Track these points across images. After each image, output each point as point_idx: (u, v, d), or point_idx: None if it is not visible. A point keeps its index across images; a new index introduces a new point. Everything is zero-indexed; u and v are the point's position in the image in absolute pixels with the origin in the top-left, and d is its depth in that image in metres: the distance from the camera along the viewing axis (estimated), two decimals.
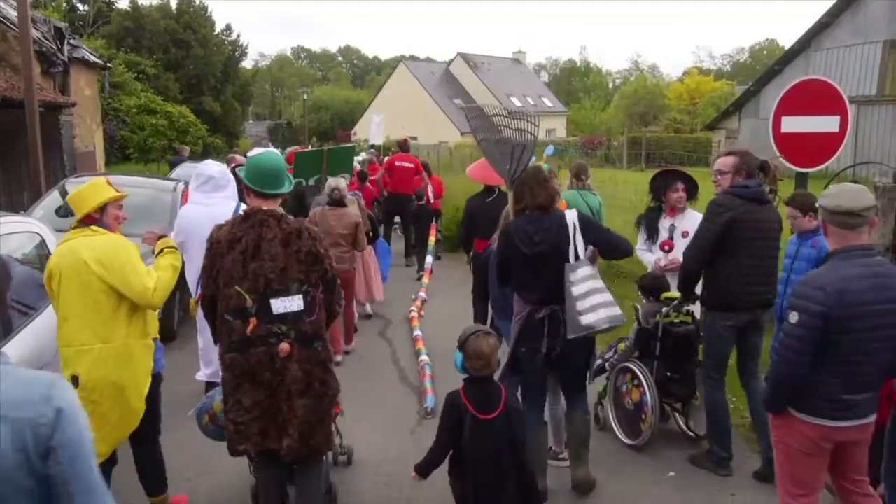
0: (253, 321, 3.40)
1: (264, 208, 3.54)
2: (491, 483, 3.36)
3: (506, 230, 4.30)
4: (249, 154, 3.92)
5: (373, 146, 18.59)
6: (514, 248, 4.13)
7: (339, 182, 7.17)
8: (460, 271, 10.21)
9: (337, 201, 6.95)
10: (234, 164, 8.78)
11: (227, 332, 3.45)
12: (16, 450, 1.59)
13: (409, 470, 3.74)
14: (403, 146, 12.33)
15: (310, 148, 17.14)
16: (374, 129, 18.46)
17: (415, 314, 8.46)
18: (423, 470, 3.56)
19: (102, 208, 3.72)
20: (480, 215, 6.43)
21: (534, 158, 4.89)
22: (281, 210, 3.66)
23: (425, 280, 10.22)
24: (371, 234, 7.80)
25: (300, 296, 3.46)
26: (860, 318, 2.94)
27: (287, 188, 3.72)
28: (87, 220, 3.68)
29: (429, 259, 10.99)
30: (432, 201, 11.86)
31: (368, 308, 8.67)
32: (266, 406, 3.45)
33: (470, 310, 6.52)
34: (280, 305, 3.42)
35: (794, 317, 3.03)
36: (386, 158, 13.83)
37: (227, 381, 3.49)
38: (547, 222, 4.14)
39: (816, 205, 3.35)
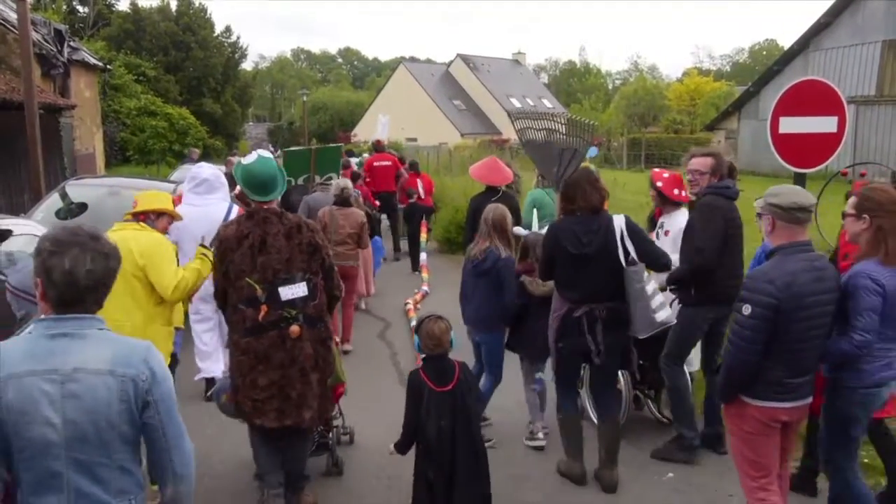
0: (264, 308, 3.77)
1: (265, 207, 3.94)
2: (446, 448, 3.70)
3: (552, 230, 4.46)
4: (243, 161, 4.17)
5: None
6: (560, 248, 4.29)
7: (347, 182, 7.50)
8: (455, 271, 10.29)
9: (344, 201, 7.19)
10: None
11: (241, 319, 3.81)
12: (121, 400, 2.04)
13: (410, 472, 3.75)
14: (378, 147, 13.28)
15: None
16: (379, 128, 19.06)
17: (411, 307, 8.70)
18: (401, 447, 3.83)
19: (160, 214, 4.37)
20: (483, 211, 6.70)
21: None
22: (280, 208, 4.07)
23: (424, 275, 10.46)
24: (370, 230, 7.95)
25: (304, 283, 3.85)
26: (805, 308, 3.18)
27: (278, 194, 4.06)
28: (142, 217, 4.30)
29: (423, 256, 11.33)
30: (423, 197, 12.28)
31: (362, 304, 8.87)
32: (280, 385, 3.81)
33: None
34: (287, 292, 3.81)
35: (747, 309, 3.22)
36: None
37: (243, 364, 3.83)
38: (595, 224, 4.29)
39: (756, 204, 3.59)
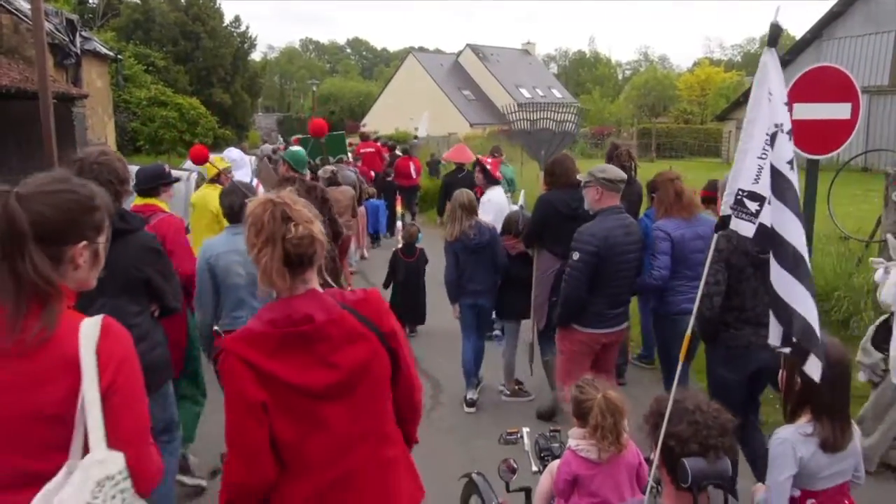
0: None
1: (297, 176, 6.36)
2: (409, 293, 7.85)
3: (546, 199, 5.38)
4: (292, 148, 7.26)
5: (416, 138, 22.68)
6: (554, 211, 5.23)
7: (330, 167, 9.58)
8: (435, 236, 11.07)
9: (333, 181, 8.67)
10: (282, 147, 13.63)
11: None
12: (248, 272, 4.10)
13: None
14: (364, 136, 17.58)
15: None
16: (422, 124, 23.38)
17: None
18: (385, 284, 8.00)
19: (224, 173, 6.84)
20: (453, 186, 8.81)
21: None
22: (307, 178, 6.47)
23: (398, 238, 12.13)
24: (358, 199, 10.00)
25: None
26: (617, 254, 4.40)
27: (305, 168, 6.89)
28: (214, 180, 6.72)
29: (399, 224, 13.27)
30: (414, 177, 15.09)
31: (357, 255, 10.93)
32: None
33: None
34: None
35: (575, 255, 4.44)
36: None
37: None
38: (577, 194, 5.13)
39: (581, 177, 4.74)
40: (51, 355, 1.65)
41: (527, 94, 54.78)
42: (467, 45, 58.11)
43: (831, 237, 8.45)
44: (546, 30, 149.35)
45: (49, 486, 1.59)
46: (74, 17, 19.30)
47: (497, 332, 6.28)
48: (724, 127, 33.42)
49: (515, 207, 6.47)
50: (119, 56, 25.14)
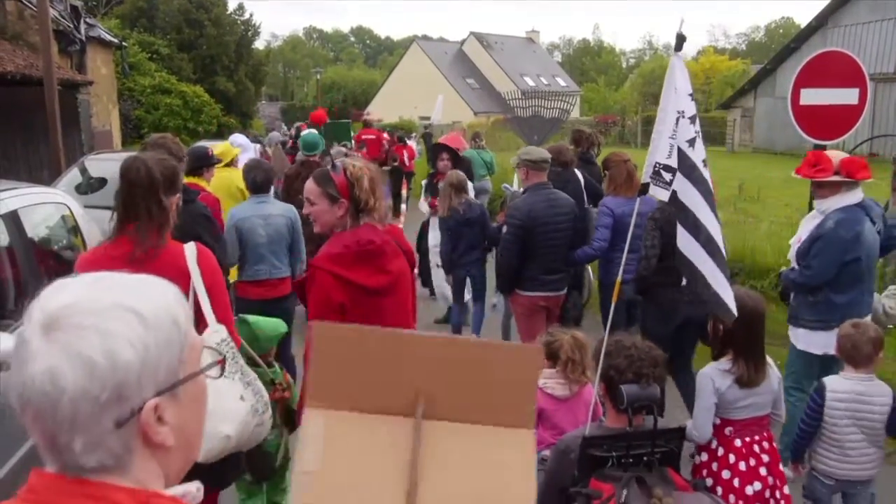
0: None
1: (311, 159, 7.35)
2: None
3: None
4: (303, 133, 8.12)
5: (430, 124, 22.50)
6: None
7: (343, 149, 10.53)
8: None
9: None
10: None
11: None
12: (286, 226, 5.12)
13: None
14: (367, 123, 18.01)
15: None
16: (437, 107, 22.87)
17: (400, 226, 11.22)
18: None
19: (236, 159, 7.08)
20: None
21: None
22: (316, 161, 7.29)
23: (401, 219, 13.07)
24: None
25: None
26: (540, 225, 4.92)
27: (318, 151, 7.80)
28: (229, 164, 6.63)
29: (403, 207, 14.09)
30: (407, 164, 15.58)
31: None
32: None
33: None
34: None
35: (505, 227, 5.11)
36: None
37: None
38: (568, 173, 6.02)
39: (511, 161, 5.40)
40: (167, 265, 2.56)
41: (531, 83, 54.54)
42: (471, 33, 57.83)
43: None
44: (550, 18, 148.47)
45: None
46: (79, 3, 19.25)
47: (494, 302, 7.10)
48: (729, 115, 33.27)
49: (513, 189, 7.00)
50: (123, 43, 25.08)
